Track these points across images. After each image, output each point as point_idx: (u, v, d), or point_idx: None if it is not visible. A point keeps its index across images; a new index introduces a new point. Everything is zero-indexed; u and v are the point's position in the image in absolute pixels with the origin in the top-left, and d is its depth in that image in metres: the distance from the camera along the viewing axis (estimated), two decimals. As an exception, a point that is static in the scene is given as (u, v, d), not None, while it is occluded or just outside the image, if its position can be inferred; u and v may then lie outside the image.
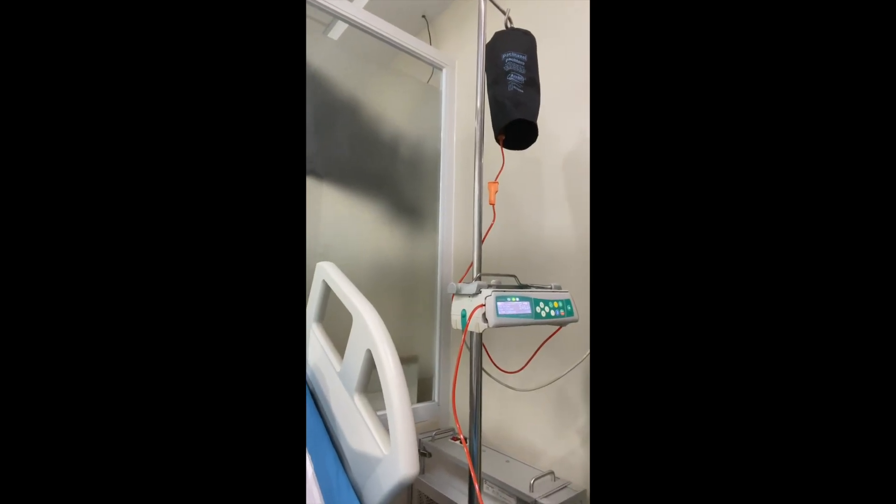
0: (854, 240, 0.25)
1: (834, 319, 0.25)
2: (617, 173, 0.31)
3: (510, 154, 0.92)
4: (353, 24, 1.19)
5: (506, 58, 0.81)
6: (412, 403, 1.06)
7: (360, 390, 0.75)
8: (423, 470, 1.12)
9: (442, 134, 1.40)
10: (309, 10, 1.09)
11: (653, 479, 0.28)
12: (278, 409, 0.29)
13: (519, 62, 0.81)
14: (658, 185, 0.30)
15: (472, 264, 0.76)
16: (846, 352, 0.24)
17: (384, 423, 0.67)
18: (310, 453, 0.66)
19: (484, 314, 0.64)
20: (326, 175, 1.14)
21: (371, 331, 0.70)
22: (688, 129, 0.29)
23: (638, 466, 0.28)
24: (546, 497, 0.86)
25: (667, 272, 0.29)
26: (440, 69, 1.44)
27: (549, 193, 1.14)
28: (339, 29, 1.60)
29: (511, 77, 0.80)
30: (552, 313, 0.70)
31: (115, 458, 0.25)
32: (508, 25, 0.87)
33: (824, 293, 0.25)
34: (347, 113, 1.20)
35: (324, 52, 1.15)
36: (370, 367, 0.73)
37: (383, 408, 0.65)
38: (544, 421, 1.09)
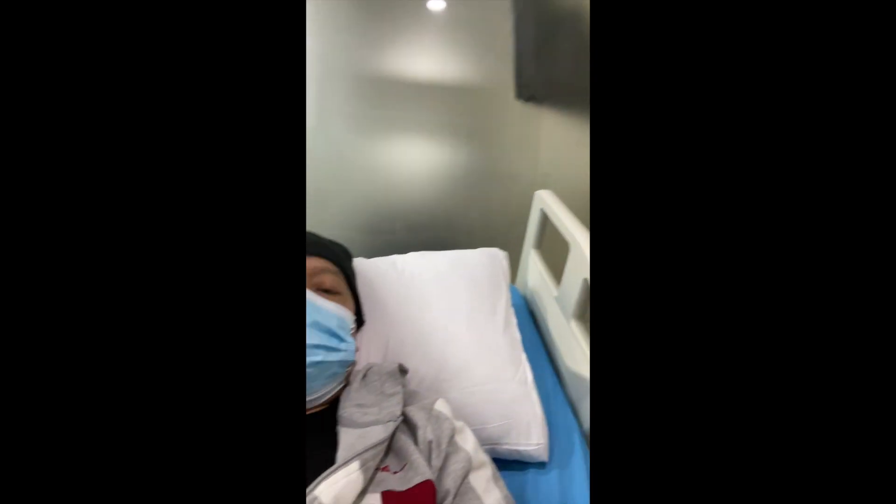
0: (854, 235, 0.25)
1: (836, 311, 0.25)
2: (618, 171, 0.30)
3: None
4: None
5: None
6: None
7: (576, 317, 0.76)
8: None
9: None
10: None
11: (653, 474, 0.28)
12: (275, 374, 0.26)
13: None
14: (658, 185, 0.29)
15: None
16: (844, 348, 0.25)
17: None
18: (529, 363, 0.74)
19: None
20: (546, 99, 1.10)
21: (589, 260, 0.68)
22: (688, 129, 0.28)
23: (639, 464, 0.28)
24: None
25: (668, 270, 0.28)
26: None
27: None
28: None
29: None
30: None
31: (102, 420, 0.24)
32: None
33: (825, 290, 0.25)
34: (569, 24, 1.09)
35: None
36: (586, 296, 0.72)
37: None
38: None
